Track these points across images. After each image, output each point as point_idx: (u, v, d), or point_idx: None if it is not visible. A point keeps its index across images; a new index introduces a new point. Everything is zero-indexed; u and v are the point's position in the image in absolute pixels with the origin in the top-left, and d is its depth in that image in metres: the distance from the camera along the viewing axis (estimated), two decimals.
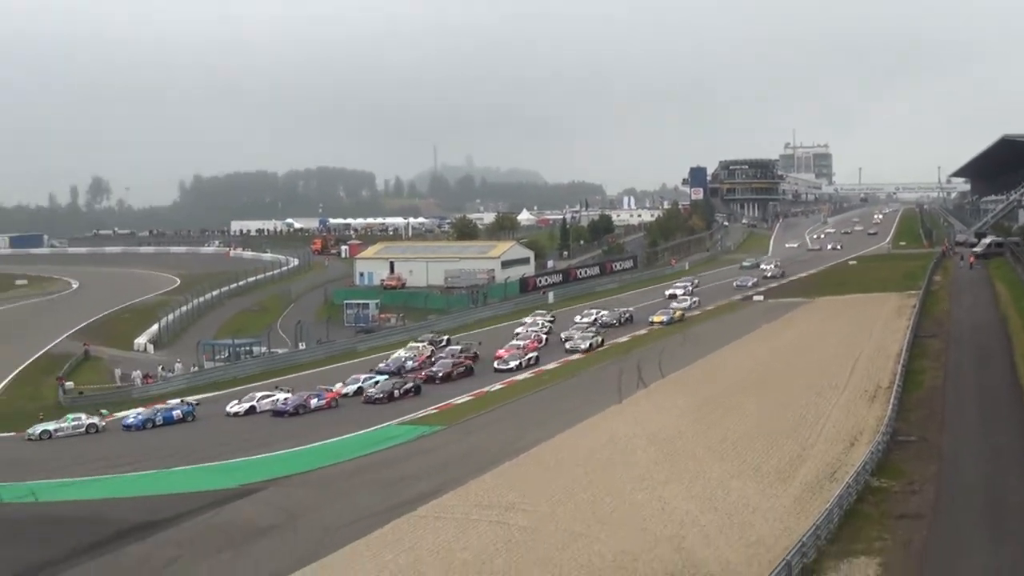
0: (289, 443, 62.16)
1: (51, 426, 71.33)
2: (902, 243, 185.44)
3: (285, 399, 73.79)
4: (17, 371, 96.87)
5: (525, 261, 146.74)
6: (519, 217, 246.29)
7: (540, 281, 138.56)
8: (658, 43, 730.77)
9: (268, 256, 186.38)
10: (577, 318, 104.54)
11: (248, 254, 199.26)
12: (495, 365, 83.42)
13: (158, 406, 74.48)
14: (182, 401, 75.91)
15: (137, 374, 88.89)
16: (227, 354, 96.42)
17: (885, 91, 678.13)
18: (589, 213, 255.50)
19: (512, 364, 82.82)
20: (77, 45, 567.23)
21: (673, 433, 55.49)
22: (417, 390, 76.18)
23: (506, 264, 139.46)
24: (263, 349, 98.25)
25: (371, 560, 39.07)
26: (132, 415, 73.25)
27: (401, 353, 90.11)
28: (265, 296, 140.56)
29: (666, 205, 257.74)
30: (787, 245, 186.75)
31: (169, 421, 72.29)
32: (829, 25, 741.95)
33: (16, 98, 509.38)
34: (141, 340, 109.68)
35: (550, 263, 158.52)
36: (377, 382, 77.50)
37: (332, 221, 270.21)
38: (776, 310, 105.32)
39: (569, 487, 46.56)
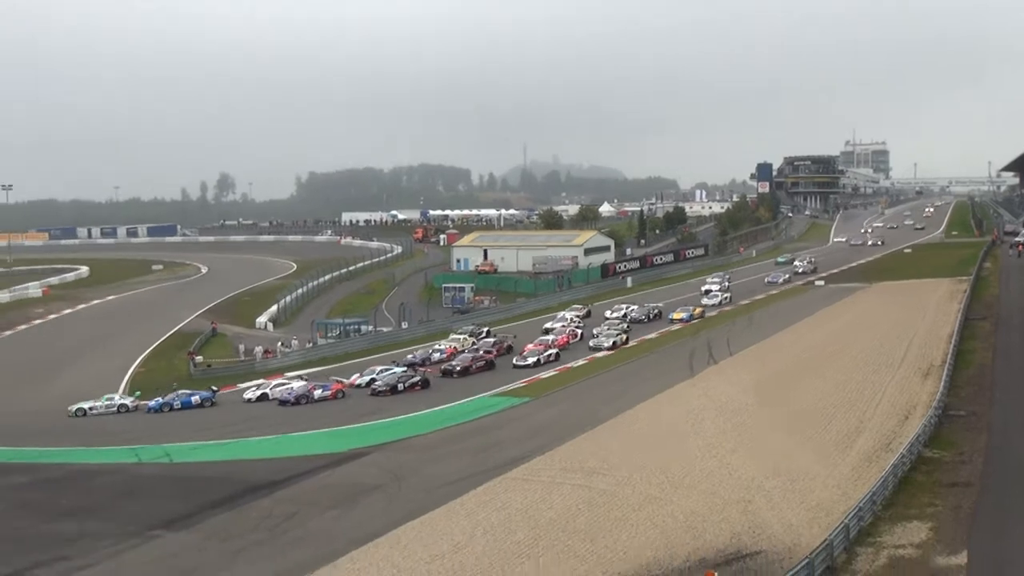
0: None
1: (86, 405, 71.96)
2: (954, 232, 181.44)
3: (289, 389, 71.56)
4: (154, 346, 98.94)
5: (606, 249, 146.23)
6: (600, 209, 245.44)
7: (619, 267, 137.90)
8: (727, 47, 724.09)
9: (374, 244, 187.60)
10: (607, 313, 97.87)
11: (357, 242, 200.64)
12: (514, 361, 77.60)
13: (180, 391, 73.86)
14: (209, 388, 74.72)
15: (258, 349, 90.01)
16: (338, 332, 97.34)
17: (940, 91, 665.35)
18: (664, 205, 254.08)
19: (530, 361, 76.27)
20: (202, 59, 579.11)
21: (740, 406, 55.20)
22: (425, 384, 71.44)
23: (588, 251, 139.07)
24: (370, 327, 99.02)
25: (466, 517, 39.44)
26: (153, 401, 73.10)
27: (442, 344, 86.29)
28: (372, 280, 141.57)
29: (735, 198, 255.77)
30: (835, 240, 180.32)
31: (187, 405, 71.22)
32: (887, 29, 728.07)
33: (153, 105, 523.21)
34: (262, 319, 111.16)
35: (628, 251, 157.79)
36: (394, 374, 73.32)
37: (432, 212, 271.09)
38: (836, 294, 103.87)
39: (645, 454, 46.54)
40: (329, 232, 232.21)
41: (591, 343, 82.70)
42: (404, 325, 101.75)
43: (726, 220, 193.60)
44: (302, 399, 69.47)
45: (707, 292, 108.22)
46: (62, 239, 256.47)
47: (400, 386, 70.43)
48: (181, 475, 52.58)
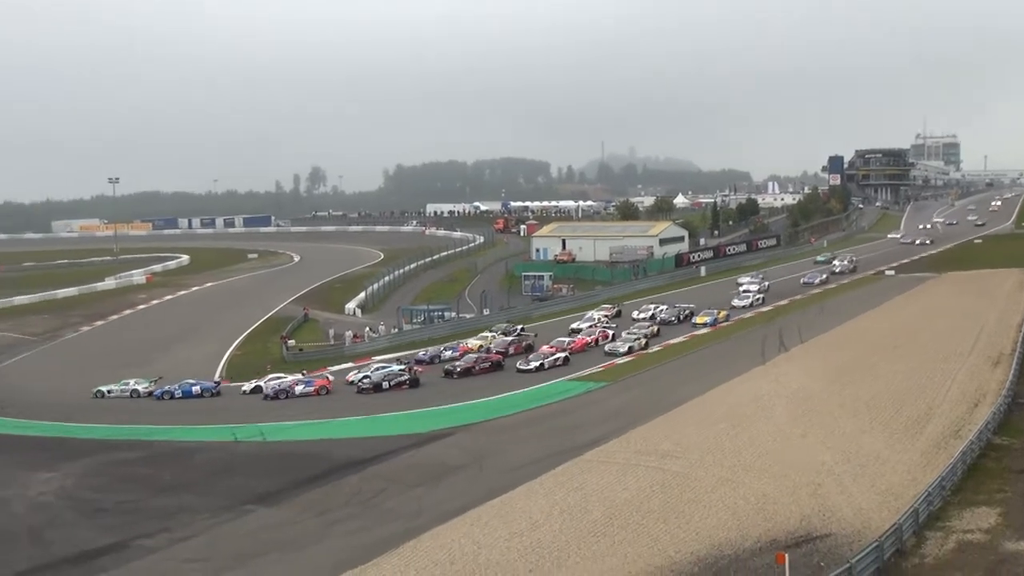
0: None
1: (105, 388, 74.16)
2: None
3: (277, 383, 70.63)
4: (250, 330, 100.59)
5: (680, 239, 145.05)
6: (675, 200, 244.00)
7: (693, 257, 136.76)
8: (800, 41, 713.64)
9: (458, 234, 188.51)
10: (635, 314, 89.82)
11: (441, 232, 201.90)
12: (518, 365, 71.23)
13: (186, 380, 74.42)
14: (214, 382, 75.08)
15: (348, 334, 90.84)
16: (423, 318, 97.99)
17: (1011, 82, 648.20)
18: (737, 197, 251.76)
19: (533, 365, 70.11)
20: (295, 61, 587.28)
21: (810, 392, 54.54)
22: (413, 383, 68.14)
23: (663, 242, 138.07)
24: (453, 314, 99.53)
25: (545, 497, 39.54)
26: (158, 389, 73.84)
27: (473, 341, 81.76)
28: (455, 268, 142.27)
29: (807, 190, 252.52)
30: (889, 236, 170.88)
31: (187, 395, 71.67)
32: (958, 20, 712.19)
33: (249, 103, 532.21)
34: (351, 305, 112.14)
35: (702, 241, 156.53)
36: (388, 372, 69.93)
37: (513, 204, 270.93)
38: (906, 284, 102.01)
39: (717, 438, 46.24)
40: (415, 223, 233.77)
41: (606, 348, 75.70)
42: (486, 312, 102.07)
43: (798, 211, 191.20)
44: (281, 394, 68.84)
45: (741, 292, 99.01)
46: (164, 229, 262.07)
47: (385, 384, 67.71)
48: (275, 453, 53.49)
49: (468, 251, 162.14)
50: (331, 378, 72.22)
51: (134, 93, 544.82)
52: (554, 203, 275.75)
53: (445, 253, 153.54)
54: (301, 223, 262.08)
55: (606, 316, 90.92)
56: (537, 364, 70.26)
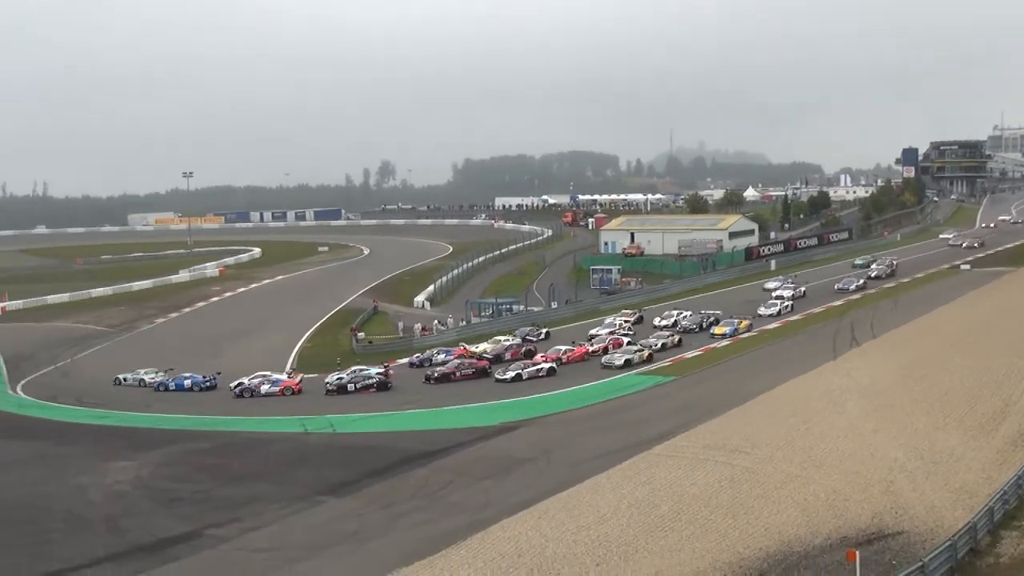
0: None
1: (122, 376, 77.80)
2: None
3: (239, 384, 70.71)
4: (320, 323, 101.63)
5: (750, 232, 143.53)
6: (745, 194, 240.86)
7: (763, 250, 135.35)
8: (874, 30, 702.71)
9: (526, 227, 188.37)
10: (656, 321, 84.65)
11: (509, 226, 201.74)
12: (496, 374, 68.02)
13: (181, 375, 75.82)
14: (204, 376, 75.27)
15: (417, 327, 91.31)
16: (491, 311, 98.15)
17: None
18: (808, 190, 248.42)
19: (510, 375, 66.36)
20: (364, 60, 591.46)
21: (882, 387, 53.81)
22: (382, 386, 67.49)
23: (733, 235, 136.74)
24: (521, 307, 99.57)
25: (612, 491, 39.46)
26: (157, 381, 75.74)
27: (483, 346, 78.33)
28: (523, 261, 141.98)
29: (880, 182, 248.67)
30: (941, 236, 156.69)
31: (180, 388, 73.50)
32: None
33: (319, 99, 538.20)
34: (420, 298, 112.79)
35: (772, 234, 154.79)
36: (362, 374, 69.23)
37: (581, 197, 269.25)
38: (982, 278, 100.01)
39: (787, 433, 45.83)
40: (483, 216, 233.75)
41: (603, 360, 70.11)
42: (554, 305, 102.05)
43: (870, 204, 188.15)
44: (245, 392, 69.33)
45: (771, 298, 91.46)
46: (237, 222, 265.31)
47: (351, 387, 67.39)
48: (343, 444, 54.03)
49: (536, 244, 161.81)
50: (299, 380, 71.87)
51: (210, 90, 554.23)
52: (622, 196, 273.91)
53: (514, 246, 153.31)
54: (371, 216, 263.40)
55: (626, 322, 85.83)
56: (513, 374, 66.55)
